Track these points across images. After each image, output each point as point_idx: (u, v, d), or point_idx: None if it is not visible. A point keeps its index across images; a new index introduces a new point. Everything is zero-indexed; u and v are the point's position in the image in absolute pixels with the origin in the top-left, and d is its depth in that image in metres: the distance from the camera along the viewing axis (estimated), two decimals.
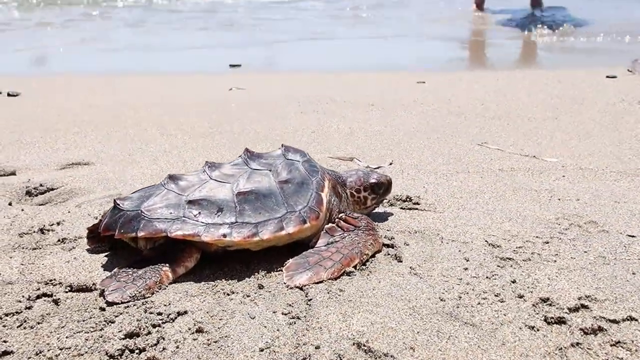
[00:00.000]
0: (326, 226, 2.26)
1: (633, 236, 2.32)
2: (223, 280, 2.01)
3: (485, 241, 2.29)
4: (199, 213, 2.07)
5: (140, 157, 3.66)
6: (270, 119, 4.60)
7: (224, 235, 2.03)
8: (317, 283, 1.96)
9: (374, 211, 2.61)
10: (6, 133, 4.30)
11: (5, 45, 9.01)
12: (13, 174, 3.29)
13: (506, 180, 3.09)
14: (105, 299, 1.89)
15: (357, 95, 5.44)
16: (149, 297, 1.90)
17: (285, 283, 1.97)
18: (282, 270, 2.06)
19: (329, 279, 1.98)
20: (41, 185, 3.02)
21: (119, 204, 2.13)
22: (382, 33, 9.71)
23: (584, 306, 1.80)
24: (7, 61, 7.73)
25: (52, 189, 2.99)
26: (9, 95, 5.68)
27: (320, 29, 9.99)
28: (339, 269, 2.02)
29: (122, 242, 2.22)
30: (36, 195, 2.95)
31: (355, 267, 2.06)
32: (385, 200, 2.73)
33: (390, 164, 3.45)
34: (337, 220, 2.30)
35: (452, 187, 3.00)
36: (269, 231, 2.07)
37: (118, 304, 1.86)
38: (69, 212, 2.67)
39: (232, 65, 7.22)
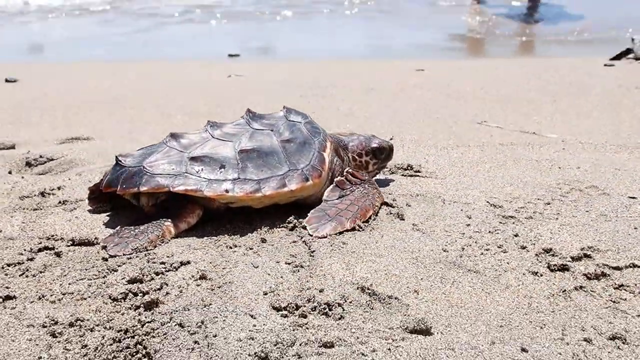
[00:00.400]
0: (336, 179, 2.28)
1: (634, 197, 2.32)
2: (226, 235, 2.01)
3: (487, 202, 2.29)
4: (202, 169, 2.06)
5: (140, 134, 3.66)
6: (270, 101, 4.59)
7: (227, 191, 2.02)
8: (340, 233, 1.99)
9: (375, 177, 2.61)
10: (5, 115, 4.30)
11: (4, 33, 9.01)
12: (12, 147, 3.29)
13: (507, 152, 3.09)
14: (107, 252, 1.88)
15: (357, 80, 5.45)
16: (151, 249, 1.90)
17: (310, 234, 1.98)
18: (284, 227, 2.06)
19: (351, 229, 2.01)
20: (41, 156, 3.01)
21: (120, 161, 2.12)
22: (381, 23, 9.73)
23: (586, 255, 1.80)
24: (6, 49, 7.71)
25: (52, 160, 2.98)
26: (7, 81, 5.67)
27: (319, 20, 10.00)
28: (358, 219, 2.06)
29: (124, 202, 2.22)
30: (36, 166, 2.94)
31: (369, 217, 2.09)
32: (386, 169, 2.73)
33: (391, 139, 3.44)
34: (345, 174, 2.32)
35: (452, 158, 3.00)
36: (272, 187, 2.06)
37: (120, 256, 1.86)
38: (69, 179, 2.66)
39: (230, 55, 7.21)
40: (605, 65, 6.10)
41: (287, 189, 2.08)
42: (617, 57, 6.51)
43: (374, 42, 8.57)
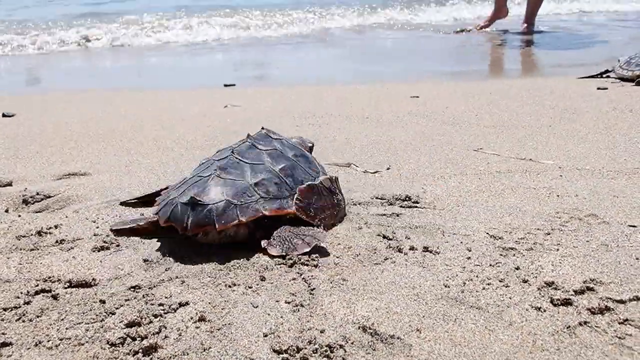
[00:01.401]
0: None
1: (634, 226, 2.32)
2: (224, 273, 1.99)
3: (487, 234, 2.28)
4: (268, 191, 2.23)
5: (137, 168, 3.65)
6: None
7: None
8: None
9: (375, 209, 2.60)
10: (2, 150, 4.29)
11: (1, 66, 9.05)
12: (9, 184, 3.27)
13: (504, 181, 3.10)
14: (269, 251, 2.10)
15: (351, 108, 5.48)
16: None
17: None
18: (283, 264, 2.04)
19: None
20: (38, 193, 3.00)
21: (200, 200, 2.15)
22: (373, 49, 9.83)
23: (589, 289, 1.79)
24: (3, 82, 7.73)
25: (49, 197, 2.97)
26: (4, 115, 5.67)
27: (310, 49, 10.09)
28: None
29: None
30: (33, 203, 2.93)
31: None
32: (384, 200, 2.73)
33: (388, 168, 3.45)
34: None
35: (450, 187, 3.00)
36: None
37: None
38: (66, 217, 2.65)
39: (226, 85, 7.24)
40: (598, 88, 6.15)
41: None
42: (594, 76, 6.69)
43: (367, 67, 8.63)
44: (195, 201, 2.13)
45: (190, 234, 2.13)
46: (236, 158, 2.34)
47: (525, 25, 11.01)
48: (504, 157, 3.67)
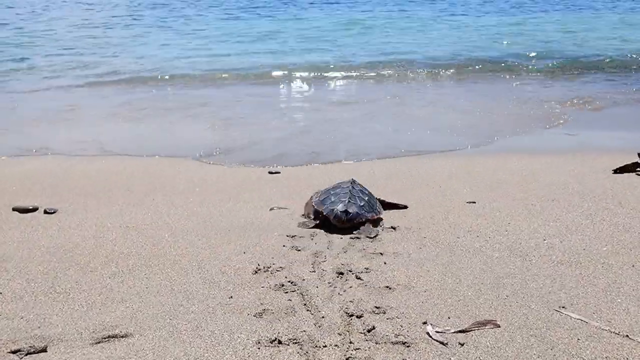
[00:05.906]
0: None
1: None
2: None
3: None
4: (367, 208, 4.90)
5: (182, 321, 3.34)
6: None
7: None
8: None
9: None
10: (40, 272, 4.05)
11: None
12: (44, 350, 2.99)
13: None
14: None
15: (405, 220, 5.11)
16: None
17: None
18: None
19: None
20: None
21: (349, 211, 4.77)
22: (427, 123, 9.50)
23: None
24: (46, 170, 7.57)
25: None
26: (45, 212, 5.46)
27: (354, 119, 9.80)
28: None
29: None
30: None
31: None
32: None
33: (462, 344, 3.05)
34: None
35: None
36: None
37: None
38: None
39: (271, 173, 6.98)
40: None
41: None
42: (621, 170, 6.61)
43: (405, 137, 8.24)
44: (346, 211, 4.75)
45: (342, 225, 4.77)
46: (352, 192, 4.94)
47: None
48: (594, 328, 3.23)
